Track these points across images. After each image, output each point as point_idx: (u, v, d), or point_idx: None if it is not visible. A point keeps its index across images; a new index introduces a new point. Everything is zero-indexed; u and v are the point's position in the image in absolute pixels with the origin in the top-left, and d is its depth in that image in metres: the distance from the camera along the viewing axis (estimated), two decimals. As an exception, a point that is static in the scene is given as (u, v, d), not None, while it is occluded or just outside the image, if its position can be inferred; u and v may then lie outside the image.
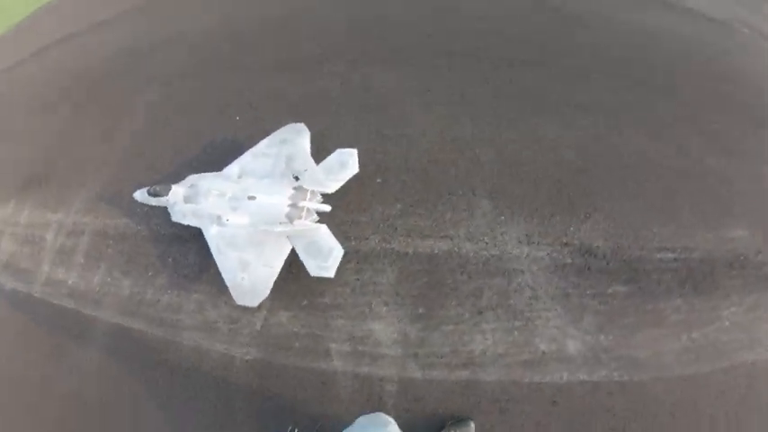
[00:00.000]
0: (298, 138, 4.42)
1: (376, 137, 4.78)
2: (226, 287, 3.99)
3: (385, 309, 3.99)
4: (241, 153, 4.56)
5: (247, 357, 4.15)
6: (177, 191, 4.33)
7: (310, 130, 4.47)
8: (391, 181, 4.48)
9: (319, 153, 4.31)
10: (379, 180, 4.51)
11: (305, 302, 4.15)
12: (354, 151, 4.24)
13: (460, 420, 3.44)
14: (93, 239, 5.23)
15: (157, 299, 4.66)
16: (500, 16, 5.69)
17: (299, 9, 6.25)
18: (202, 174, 4.46)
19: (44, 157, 5.97)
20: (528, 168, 4.37)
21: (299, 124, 4.55)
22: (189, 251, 4.68)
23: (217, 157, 4.99)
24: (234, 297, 3.94)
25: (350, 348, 3.96)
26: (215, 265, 4.06)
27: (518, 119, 4.75)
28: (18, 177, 5.95)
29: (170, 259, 4.76)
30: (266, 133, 4.56)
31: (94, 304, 4.94)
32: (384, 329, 3.91)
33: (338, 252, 3.83)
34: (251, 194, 4.04)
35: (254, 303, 3.90)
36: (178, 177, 4.52)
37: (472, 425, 3.40)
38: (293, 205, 3.99)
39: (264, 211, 4.01)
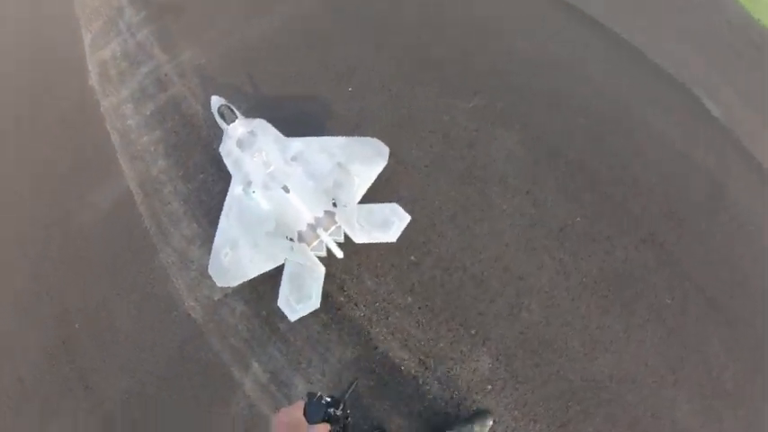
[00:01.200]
0: (371, 159, 4.04)
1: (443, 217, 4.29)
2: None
3: (319, 377, 3.77)
4: (320, 129, 4.33)
5: (190, 312, 4.20)
6: (237, 127, 4.25)
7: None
8: (422, 271, 4.02)
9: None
10: (413, 258, 4.06)
11: (264, 312, 4.03)
12: (407, 219, 3.81)
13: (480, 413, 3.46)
14: (168, 103, 5.42)
15: (169, 201, 4.79)
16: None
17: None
18: (270, 127, 4.29)
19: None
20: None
21: (384, 147, 4.14)
22: (213, 181, 4.67)
23: (300, 115, 4.82)
24: (209, 264, 3.89)
25: (266, 380, 3.86)
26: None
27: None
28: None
29: (201, 175, 4.81)
30: (363, 122, 4.42)
31: (130, 157, 5.21)
32: (300, 389, 3.74)
33: (313, 304, 3.59)
34: (287, 185, 3.82)
35: (219, 283, 3.85)
36: (258, 108, 4.47)
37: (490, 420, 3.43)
38: (312, 227, 3.73)
39: (286, 211, 3.80)
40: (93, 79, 6.65)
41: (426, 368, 3.68)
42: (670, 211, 4.29)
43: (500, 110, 4.89)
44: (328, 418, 1.78)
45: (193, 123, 5.32)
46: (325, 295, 3.76)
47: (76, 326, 4.55)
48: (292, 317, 3.58)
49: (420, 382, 3.65)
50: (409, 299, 3.91)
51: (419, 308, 3.88)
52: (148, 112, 5.65)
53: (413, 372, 3.68)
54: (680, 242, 4.13)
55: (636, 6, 5.85)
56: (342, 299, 3.95)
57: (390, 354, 3.76)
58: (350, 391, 2.16)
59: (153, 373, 4.11)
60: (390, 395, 3.63)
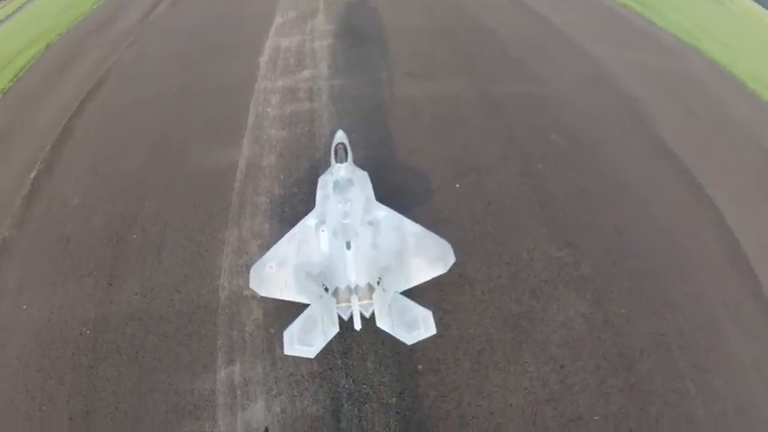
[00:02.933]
0: (434, 261, 4.42)
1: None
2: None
3: (278, 411, 4.18)
4: (411, 206, 4.95)
5: (219, 289, 5.10)
6: (341, 169, 4.95)
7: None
8: (419, 384, 4.26)
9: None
10: (419, 367, 4.34)
11: (272, 330, 4.59)
12: (431, 332, 4.07)
13: None
14: (307, 112, 6.83)
15: (260, 193, 5.76)
16: None
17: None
18: (368, 184, 4.96)
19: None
20: None
21: (452, 256, 4.47)
22: (300, 201, 5.50)
23: (403, 187, 5.49)
24: (254, 265, 4.57)
25: (237, 382, 4.43)
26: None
27: None
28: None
29: (296, 189, 5.62)
30: (452, 219, 5.06)
31: (253, 139, 6.31)
32: (258, 409, 4.17)
33: (309, 352, 3.99)
34: (351, 243, 4.34)
35: (252, 286, 4.50)
36: (372, 161, 5.36)
37: None
38: (349, 289, 4.15)
39: (337, 262, 4.28)
40: (263, 59, 7.93)
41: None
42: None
43: (582, 274, 5.01)
44: None
45: (315, 142, 6.21)
46: (326, 349, 4.11)
47: (134, 236, 5.90)
48: (287, 351, 4.03)
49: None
50: (393, 400, 4.12)
51: (396, 413, 4.08)
52: (288, 111, 6.71)
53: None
54: None
55: None
56: (338, 362, 4.30)
57: (347, 434, 4.01)
58: None
59: (157, 313, 5.03)
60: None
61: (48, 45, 15.75)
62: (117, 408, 4.53)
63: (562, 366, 4.42)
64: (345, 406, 4.15)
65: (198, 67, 9.68)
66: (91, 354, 5.03)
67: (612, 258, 5.22)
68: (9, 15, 29.17)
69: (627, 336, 4.69)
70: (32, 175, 8.01)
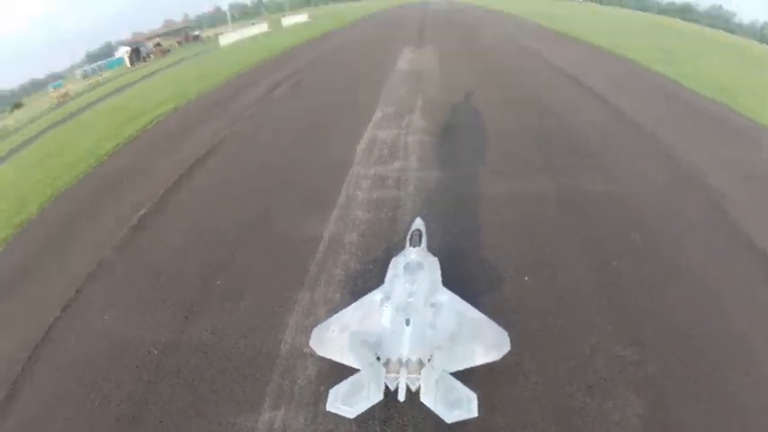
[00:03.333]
0: (488, 348, 5.01)
1: None
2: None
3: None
4: (478, 294, 5.66)
5: (281, 342, 6.01)
6: (413, 253, 6.05)
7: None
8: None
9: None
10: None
11: (321, 388, 5.31)
12: (473, 415, 4.51)
13: None
14: (392, 199, 8.22)
15: (337, 265, 6.91)
16: None
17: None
18: (437, 270, 5.88)
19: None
20: None
21: (507, 345, 5.03)
22: (373, 277, 6.57)
23: (471, 274, 6.43)
24: (317, 326, 5.58)
25: (277, 428, 5.01)
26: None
27: None
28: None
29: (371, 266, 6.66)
30: (520, 310, 5.74)
31: (340, 216, 7.53)
32: None
33: (349, 413, 4.62)
34: (410, 320, 5.08)
35: (311, 344, 5.42)
36: (445, 250, 6.26)
37: None
38: (400, 362, 4.89)
39: (393, 337, 5.10)
40: (360, 147, 9.68)
41: None
42: None
43: (645, 374, 5.23)
44: None
45: (396, 227, 7.45)
46: (367, 414, 4.76)
47: (218, 282, 7.21)
48: (329, 407, 4.75)
49: None
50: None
51: None
52: (375, 196, 8.09)
53: None
54: None
55: None
56: (377, 429, 4.95)
57: None
58: None
59: (222, 351, 6.00)
60: None
61: (175, 108, 19.22)
62: (161, 422, 5.36)
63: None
64: None
65: (303, 145, 12.31)
66: (153, 371, 6.08)
67: (681, 361, 5.41)
68: (147, 76, 35.77)
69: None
70: (141, 213, 10.12)
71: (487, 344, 5.08)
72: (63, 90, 44.88)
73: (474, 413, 4.57)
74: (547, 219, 7.98)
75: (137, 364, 6.15)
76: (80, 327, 7.12)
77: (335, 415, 4.79)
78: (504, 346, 5.06)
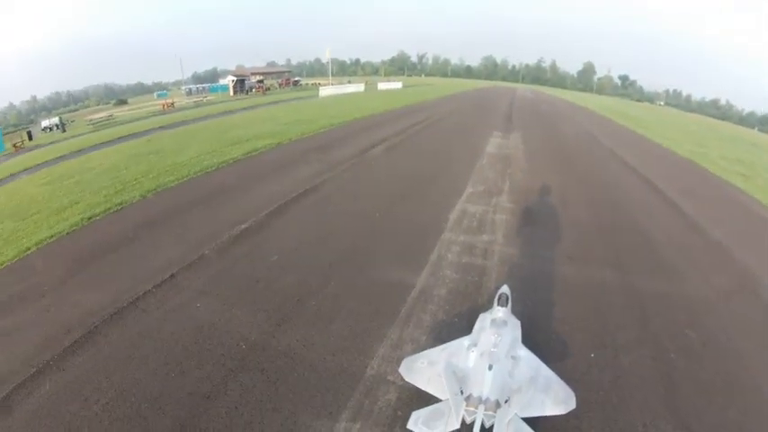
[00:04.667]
0: (555, 401, 5.43)
1: None
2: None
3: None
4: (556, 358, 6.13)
5: (367, 367, 6.53)
6: (500, 311, 6.60)
7: None
8: None
9: None
10: None
11: (399, 413, 5.74)
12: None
13: None
14: (479, 268, 8.95)
15: (426, 311, 7.62)
16: None
17: None
18: (518, 330, 6.42)
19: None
20: None
21: (573, 404, 5.41)
22: (457, 329, 7.07)
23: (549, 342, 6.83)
24: (407, 357, 6.22)
25: None
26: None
27: None
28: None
29: (456, 319, 7.28)
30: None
31: (432, 271, 8.25)
32: None
33: None
34: (493, 366, 5.58)
35: (401, 370, 6.02)
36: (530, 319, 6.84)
37: None
38: (479, 399, 5.34)
39: (477, 376, 5.59)
40: (452, 216, 11.14)
41: None
42: None
43: None
44: None
45: (481, 290, 8.17)
46: None
47: (313, 303, 7.94)
48: (410, 426, 5.30)
49: None
50: None
51: None
52: (463, 261, 8.93)
53: None
54: None
55: None
56: None
57: None
58: None
59: (308, 361, 6.55)
60: None
61: (279, 143, 21.19)
62: (236, 408, 5.89)
63: None
64: None
65: (400, 204, 13.42)
66: (238, 361, 6.71)
67: None
68: (248, 108, 39.21)
69: None
70: (244, 226, 11.29)
71: (557, 398, 5.53)
72: (170, 100, 49.93)
73: None
74: (609, 305, 8.37)
75: (222, 353, 6.80)
76: (170, 306, 7.96)
77: (408, 437, 5.28)
78: (571, 403, 5.48)
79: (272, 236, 10.98)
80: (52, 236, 10.89)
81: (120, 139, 27.05)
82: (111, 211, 12.72)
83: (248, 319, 7.58)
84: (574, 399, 5.56)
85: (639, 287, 9.04)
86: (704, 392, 6.42)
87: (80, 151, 25.67)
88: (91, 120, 43.31)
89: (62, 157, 24.70)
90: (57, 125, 39.34)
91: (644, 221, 12.97)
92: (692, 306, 8.48)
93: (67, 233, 11.29)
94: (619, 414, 5.99)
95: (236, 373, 6.44)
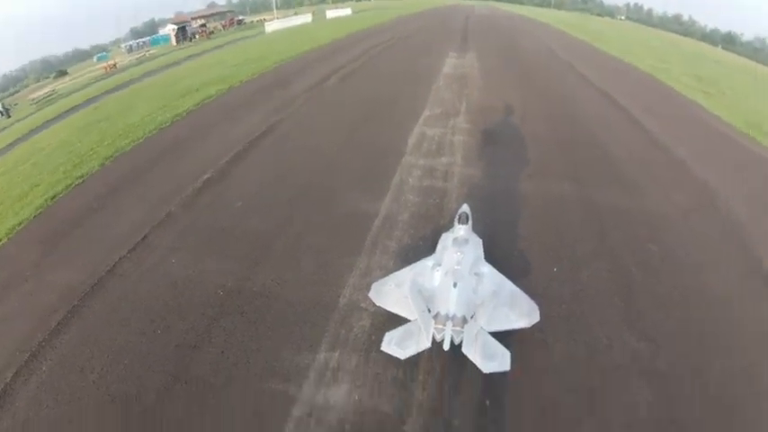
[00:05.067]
0: (519, 314, 5.93)
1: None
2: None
3: (356, 398, 5.50)
4: (520, 274, 6.66)
5: (340, 293, 6.92)
6: (461, 230, 6.96)
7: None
8: (483, 415, 5.35)
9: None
10: (487, 402, 5.47)
11: (373, 338, 6.16)
12: (505, 368, 5.35)
13: None
14: (440, 190, 9.39)
15: (391, 238, 7.80)
16: None
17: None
18: (480, 248, 6.84)
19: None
20: None
21: (537, 316, 5.92)
22: (423, 251, 7.39)
23: (512, 258, 7.32)
24: (376, 282, 6.62)
25: (332, 366, 5.87)
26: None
27: None
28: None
29: (421, 242, 7.70)
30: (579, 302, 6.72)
31: (395, 197, 8.40)
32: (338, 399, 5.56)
33: (399, 354, 5.54)
34: (458, 283, 5.93)
35: (370, 295, 6.45)
36: (490, 234, 7.21)
37: None
38: (447, 317, 5.75)
39: (443, 294, 5.97)
40: (411, 142, 11.54)
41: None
42: None
43: (656, 368, 5.88)
44: None
45: (443, 212, 8.57)
46: (412, 363, 5.64)
47: (281, 242, 8.22)
48: (383, 347, 5.69)
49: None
50: (456, 422, 5.31)
51: None
52: (424, 184, 9.27)
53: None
54: None
55: None
56: (420, 377, 5.73)
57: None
58: None
59: (284, 298, 6.90)
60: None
61: (230, 88, 20.44)
62: (222, 352, 6.24)
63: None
64: (414, 414, 5.42)
65: (358, 133, 13.56)
66: (217, 308, 7.02)
67: (692, 362, 6.04)
68: (194, 55, 37.34)
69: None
70: (205, 177, 11.22)
71: (521, 312, 6.00)
72: (111, 62, 46.82)
73: (507, 367, 5.39)
74: (568, 219, 8.89)
75: (202, 302, 7.07)
76: (145, 266, 8.09)
77: (384, 360, 5.70)
78: (535, 316, 5.96)
79: (233, 183, 10.99)
80: (20, 222, 10.61)
81: (67, 112, 25.61)
82: (73, 186, 12.39)
83: (222, 267, 7.79)
84: (537, 312, 6.02)
85: (600, 202, 9.46)
86: (663, 305, 6.93)
87: (30, 132, 24.44)
88: (33, 99, 40.75)
89: (12, 144, 23.54)
90: (0, 112, 37.09)
91: (603, 136, 13.29)
92: (651, 221, 8.93)
93: (35, 216, 11.03)
94: (582, 327, 6.49)
95: (218, 319, 6.74)
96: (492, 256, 6.93)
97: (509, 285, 6.35)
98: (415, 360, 5.75)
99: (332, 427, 5.30)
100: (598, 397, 5.60)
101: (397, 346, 5.65)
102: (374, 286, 6.53)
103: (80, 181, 12.59)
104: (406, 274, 6.53)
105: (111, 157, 14.07)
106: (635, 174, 10.96)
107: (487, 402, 5.54)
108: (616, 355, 6.11)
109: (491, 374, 5.44)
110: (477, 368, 5.41)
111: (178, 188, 10.74)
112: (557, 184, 10.08)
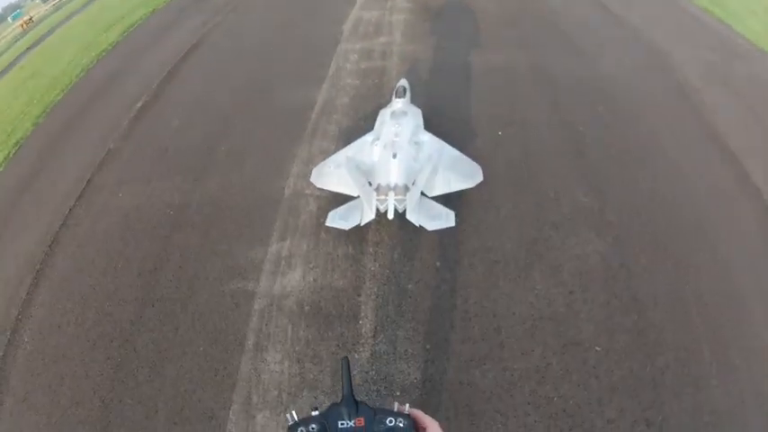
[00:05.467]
0: (464, 176, 5.94)
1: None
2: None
3: (311, 267, 5.63)
4: (460, 138, 6.61)
5: (286, 180, 6.91)
6: (398, 103, 6.79)
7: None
8: (433, 276, 5.55)
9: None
10: (438, 264, 5.63)
11: (321, 220, 6.20)
12: (450, 224, 5.48)
13: None
14: (379, 69, 9.03)
15: (331, 122, 7.75)
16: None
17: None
18: (420, 117, 6.69)
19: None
20: None
21: (480, 177, 5.95)
22: (364, 130, 7.17)
23: (452, 123, 7.22)
24: (317, 165, 6.57)
25: (284, 255, 5.98)
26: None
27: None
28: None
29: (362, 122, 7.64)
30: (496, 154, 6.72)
31: (332, 84, 8.19)
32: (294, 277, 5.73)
33: (345, 225, 5.66)
34: (397, 154, 5.84)
35: (312, 179, 6.40)
36: (430, 105, 7.11)
37: None
38: (389, 187, 5.73)
39: (383, 167, 5.91)
40: (347, 26, 10.89)
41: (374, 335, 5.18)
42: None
43: (605, 219, 6.07)
44: None
45: (383, 90, 8.32)
46: (360, 238, 5.78)
47: (223, 148, 8.06)
48: (328, 222, 5.81)
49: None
50: (409, 286, 5.52)
51: (409, 297, 5.43)
52: (363, 67, 8.86)
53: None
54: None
55: None
56: (369, 249, 5.88)
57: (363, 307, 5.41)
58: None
59: (231, 201, 6.85)
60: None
61: (154, 10, 18.95)
62: (180, 267, 6.33)
63: (571, 292, 5.36)
64: (367, 284, 5.63)
65: (290, 29, 12.67)
66: (168, 227, 6.98)
67: (639, 213, 6.19)
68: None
69: (643, 283, 5.44)
70: (139, 105, 10.65)
71: (464, 173, 5.99)
72: (26, 17, 43.16)
73: (452, 223, 5.49)
74: (517, 86, 8.68)
75: (153, 225, 7.02)
76: (96, 209, 7.88)
77: (334, 239, 5.80)
78: (478, 177, 5.96)
79: (168, 102, 10.52)
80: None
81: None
82: (12, 154, 11.90)
83: (168, 187, 7.67)
84: (481, 173, 6.00)
85: (549, 68, 9.13)
86: (616, 161, 6.90)
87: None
88: (-49, 75, 37.88)
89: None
90: None
91: (554, 3, 12.48)
92: (603, 84, 8.65)
93: (-19, 196, 10.73)
94: (529, 184, 6.50)
95: (170, 237, 6.74)
96: (438, 127, 6.81)
97: (450, 150, 6.28)
98: (363, 235, 5.87)
99: (293, 310, 5.49)
100: (546, 247, 5.75)
101: (342, 219, 5.73)
102: (314, 170, 6.47)
103: (16, 148, 12.05)
104: (346, 153, 6.44)
105: (43, 113, 13.32)
106: (585, 39, 10.53)
107: (438, 264, 5.70)
108: (564, 208, 6.21)
109: (441, 240, 5.56)
110: (426, 233, 5.52)
111: (114, 123, 10.16)
112: (506, 55, 9.69)
